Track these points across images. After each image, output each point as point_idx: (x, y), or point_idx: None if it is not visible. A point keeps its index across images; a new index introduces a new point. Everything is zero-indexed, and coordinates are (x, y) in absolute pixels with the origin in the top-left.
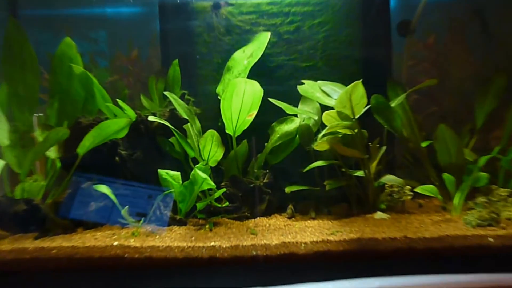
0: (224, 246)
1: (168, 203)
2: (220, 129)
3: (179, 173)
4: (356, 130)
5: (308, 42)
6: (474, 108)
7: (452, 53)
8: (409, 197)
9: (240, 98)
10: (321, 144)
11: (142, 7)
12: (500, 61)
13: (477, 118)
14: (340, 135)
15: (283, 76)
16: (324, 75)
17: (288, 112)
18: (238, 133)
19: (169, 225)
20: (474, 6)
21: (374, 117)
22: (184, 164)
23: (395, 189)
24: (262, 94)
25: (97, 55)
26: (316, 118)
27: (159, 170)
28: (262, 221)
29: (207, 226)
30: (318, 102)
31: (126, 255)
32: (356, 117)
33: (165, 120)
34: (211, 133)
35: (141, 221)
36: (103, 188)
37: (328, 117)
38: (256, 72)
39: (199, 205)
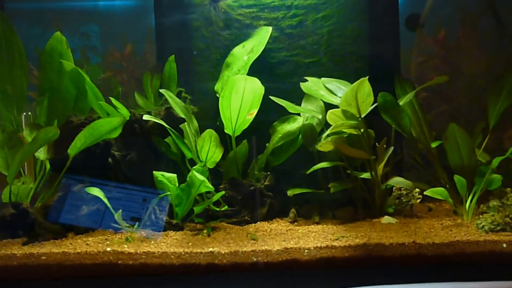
0: (223, 252)
1: (163, 207)
2: (219, 129)
3: (175, 175)
4: (362, 130)
5: (311, 37)
6: (487, 107)
7: (464, 49)
8: (418, 201)
9: (240, 96)
10: (325, 144)
11: (136, 0)
12: None
13: (490, 117)
14: (345, 135)
15: (285, 73)
16: (329, 72)
17: (290, 110)
18: (237, 133)
19: (165, 230)
20: None
21: (381, 116)
22: (181, 166)
23: (403, 192)
24: (263, 92)
25: (89, 50)
26: (320, 117)
27: (154, 172)
28: (263, 225)
29: (205, 231)
30: (322, 100)
31: (119, 262)
32: (362, 116)
33: (161, 119)
34: (209, 133)
35: (136, 226)
36: (95, 191)
37: (333, 116)
38: (256, 69)
39: (197, 209)
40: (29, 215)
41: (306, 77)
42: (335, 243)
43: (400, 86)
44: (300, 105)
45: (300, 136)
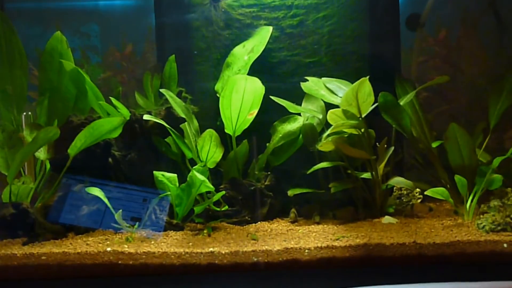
0: (223, 252)
1: (164, 207)
2: (219, 129)
3: (175, 175)
4: (362, 130)
5: (312, 36)
6: (488, 107)
7: (464, 49)
8: (419, 201)
9: (240, 96)
10: (325, 144)
11: (136, 0)
12: None
13: (490, 117)
14: (345, 135)
15: (286, 73)
16: (329, 72)
17: (290, 110)
18: (238, 133)
19: (165, 230)
20: None
21: (381, 116)
22: (181, 166)
23: (404, 192)
24: (264, 92)
25: (89, 50)
26: (321, 117)
27: (154, 172)
28: (263, 225)
29: (205, 231)
30: (322, 100)
31: (120, 262)
32: (363, 116)
33: (161, 119)
34: (210, 132)
35: (136, 226)
36: (96, 191)
37: (333, 116)
38: (257, 69)
39: (197, 209)
40: (29, 215)
41: (306, 77)
42: (336, 243)
43: (400, 86)
44: (300, 105)
45: (301, 136)
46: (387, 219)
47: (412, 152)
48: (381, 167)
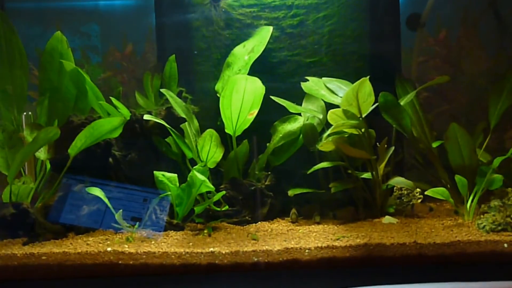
0: (224, 252)
1: (164, 207)
2: (220, 129)
3: (176, 175)
4: (363, 130)
5: (312, 36)
6: (488, 106)
7: (465, 48)
8: (419, 201)
9: (241, 95)
10: (326, 144)
11: (137, 0)
12: None
13: (491, 117)
14: (346, 135)
15: (286, 73)
16: (329, 72)
17: (291, 110)
18: (238, 133)
19: (165, 230)
20: None
21: (382, 116)
22: (182, 166)
23: (404, 192)
24: (264, 92)
25: (89, 50)
26: (321, 117)
27: (155, 172)
28: (263, 225)
29: (205, 231)
30: (323, 100)
31: (120, 262)
32: (363, 115)
33: (161, 119)
34: (210, 132)
35: (136, 226)
36: (96, 191)
37: (334, 116)
38: (257, 69)
39: (197, 209)
40: (30, 215)
41: (307, 77)
42: (336, 243)
43: (401, 85)
44: (301, 105)
45: (301, 136)
46: (387, 219)
47: (412, 152)
48: (381, 167)
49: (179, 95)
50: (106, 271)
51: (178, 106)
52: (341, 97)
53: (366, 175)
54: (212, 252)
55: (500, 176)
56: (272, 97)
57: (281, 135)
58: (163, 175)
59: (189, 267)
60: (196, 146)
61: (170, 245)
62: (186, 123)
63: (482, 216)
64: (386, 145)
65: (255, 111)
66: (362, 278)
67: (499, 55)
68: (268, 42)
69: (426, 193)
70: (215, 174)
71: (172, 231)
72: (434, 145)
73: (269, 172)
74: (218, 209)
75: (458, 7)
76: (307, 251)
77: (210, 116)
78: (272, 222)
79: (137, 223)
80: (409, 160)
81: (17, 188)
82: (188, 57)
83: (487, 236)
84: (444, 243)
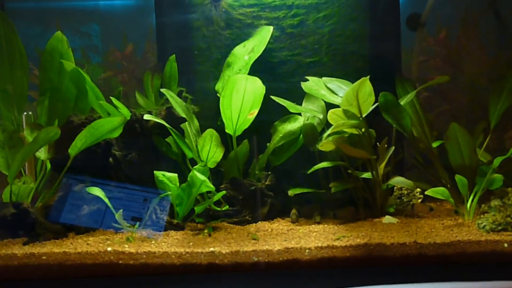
0: (224, 252)
1: (164, 207)
2: (220, 129)
3: (176, 174)
4: (363, 130)
5: (312, 36)
6: (488, 106)
7: (465, 48)
8: (419, 200)
9: (241, 95)
10: (326, 144)
11: (137, 0)
12: None
13: (491, 117)
14: (346, 135)
15: (286, 73)
16: (330, 71)
17: (291, 110)
18: (238, 133)
19: (165, 230)
20: None
21: (382, 116)
22: (182, 165)
23: (405, 191)
24: (264, 92)
25: (90, 50)
26: (321, 116)
27: (155, 172)
28: (264, 225)
29: (205, 231)
30: (323, 100)
31: (120, 262)
32: (363, 115)
33: (162, 119)
34: (210, 132)
35: (136, 226)
36: (96, 191)
37: (334, 116)
38: (257, 68)
39: (198, 209)
40: (30, 215)
41: (307, 77)
42: (336, 243)
43: (401, 85)
44: (301, 104)
45: (301, 135)
46: (387, 219)
47: (412, 152)
48: (381, 167)
49: (179, 95)
50: (107, 271)
51: (178, 106)
52: (341, 97)
53: (366, 175)
54: (212, 252)
55: (500, 176)
56: (272, 97)
57: (281, 135)
58: (163, 175)
59: (189, 267)
60: (196, 146)
61: (170, 245)
62: (186, 123)
63: (482, 216)
64: (386, 145)
65: (255, 111)
66: (362, 278)
67: (499, 55)
68: (269, 42)
69: (426, 193)
70: (215, 174)
71: (172, 231)
72: (434, 145)
73: (269, 172)
74: (219, 209)
75: (458, 7)
76: (307, 251)
77: (210, 116)
78: (272, 222)
79: (138, 223)
80: (409, 160)
81: (17, 188)
82: (188, 57)
83: (487, 236)
84: (444, 243)
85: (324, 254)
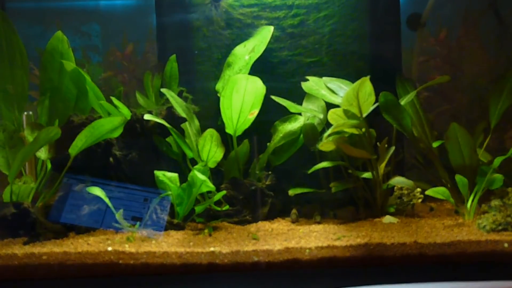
0: (224, 251)
1: (165, 207)
2: (220, 129)
3: (176, 174)
4: (363, 130)
5: (313, 36)
6: (488, 106)
7: (465, 48)
8: (420, 200)
9: (241, 95)
10: (326, 144)
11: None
12: None
13: (491, 117)
14: (346, 135)
15: (287, 73)
16: (330, 71)
17: (291, 110)
18: (239, 133)
19: (166, 230)
20: None
21: (382, 116)
22: (182, 165)
23: (405, 191)
24: (264, 92)
25: (90, 50)
26: (321, 116)
27: (155, 172)
28: (264, 225)
29: (206, 231)
30: (323, 100)
31: (120, 261)
32: (364, 115)
33: (162, 118)
34: (211, 132)
35: (137, 225)
36: (97, 191)
37: (334, 116)
38: (258, 68)
39: (198, 209)
40: (30, 214)
41: (307, 77)
42: (337, 243)
43: (401, 85)
44: (301, 104)
45: (302, 135)
46: (388, 218)
47: (413, 151)
48: (382, 167)
49: (179, 94)
50: (107, 271)
51: (179, 106)
52: (341, 96)
53: (367, 174)
54: (212, 251)
55: (500, 175)
56: (273, 97)
57: (281, 135)
58: (163, 174)
59: (189, 266)
60: (197, 145)
61: (170, 245)
62: (187, 122)
63: (482, 215)
64: (386, 145)
65: (256, 111)
66: (362, 278)
67: (499, 55)
68: (269, 42)
69: (426, 192)
70: (215, 174)
71: (173, 230)
72: (435, 145)
73: (270, 172)
74: (219, 208)
75: (458, 7)
76: (307, 250)
77: (210, 116)
78: (273, 222)
79: (138, 222)
80: (410, 160)
81: (17, 187)
82: (188, 57)
83: (487, 235)
84: (445, 242)
85: (325, 254)
